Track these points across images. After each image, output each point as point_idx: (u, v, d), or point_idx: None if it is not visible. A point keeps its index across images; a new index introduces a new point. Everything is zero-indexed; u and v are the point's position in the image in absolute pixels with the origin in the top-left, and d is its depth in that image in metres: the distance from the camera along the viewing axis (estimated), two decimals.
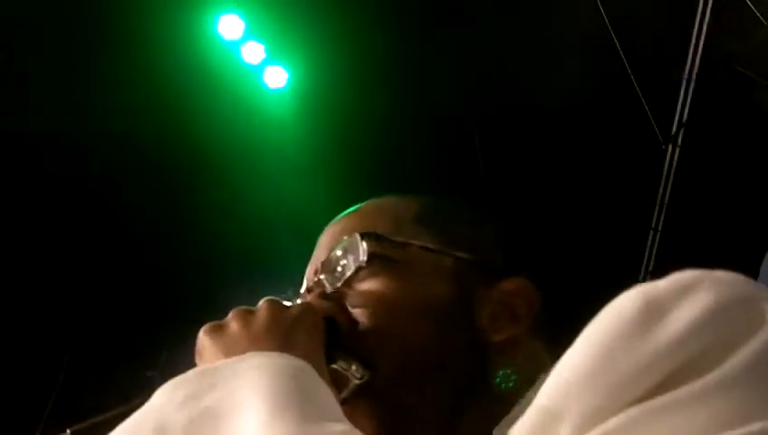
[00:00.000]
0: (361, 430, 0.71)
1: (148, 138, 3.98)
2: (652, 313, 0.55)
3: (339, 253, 0.87)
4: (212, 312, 0.82)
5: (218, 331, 0.77)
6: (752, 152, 4.09)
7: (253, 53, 4.25)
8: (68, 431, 0.78)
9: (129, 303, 3.94)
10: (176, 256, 4.13)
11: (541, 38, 4.11)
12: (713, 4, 4.02)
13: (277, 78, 4.31)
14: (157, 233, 4.11)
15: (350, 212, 0.92)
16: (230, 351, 0.74)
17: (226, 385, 0.66)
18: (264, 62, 4.28)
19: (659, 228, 4.60)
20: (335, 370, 0.79)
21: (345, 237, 0.87)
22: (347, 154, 4.04)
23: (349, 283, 0.85)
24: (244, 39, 4.22)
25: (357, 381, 0.78)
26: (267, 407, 0.62)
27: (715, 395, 0.51)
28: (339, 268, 0.86)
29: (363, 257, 0.84)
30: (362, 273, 0.84)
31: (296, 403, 0.62)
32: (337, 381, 0.78)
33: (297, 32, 4.22)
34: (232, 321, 0.78)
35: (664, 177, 4.43)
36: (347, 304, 0.84)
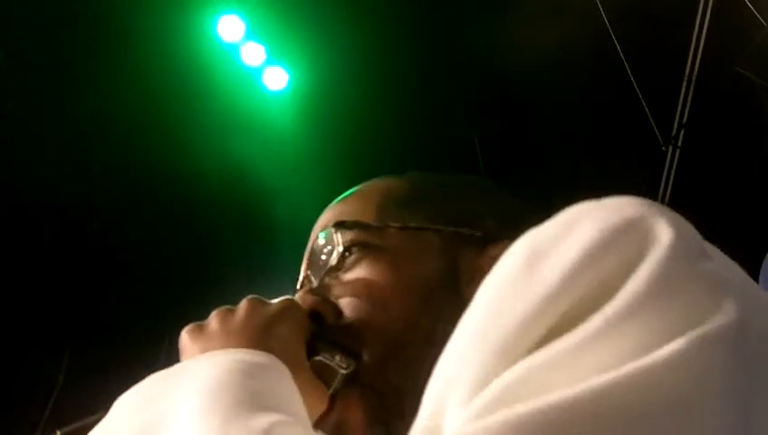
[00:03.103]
0: (356, 418, 0.71)
1: (147, 139, 3.98)
2: (537, 256, 0.51)
3: (320, 246, 0.87)
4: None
5: (198, 330, 0.77)
6: (752, 154, 4.09)
7: (253, 54, 4.24)
8: (58, 433, 0.78)
9: (129, 303, 3.95)
10: (175, 258, 4.13)
11: (541, 39, 4.11)
12: (713, 6, 4.02)
13: (277, 79, 4.30)
14: (156, 234, 4.11)
15: (335, 203, 0.92)
16: (206, 349, 0.74)
17: (175, 388, 0.66)
18: (264, 64, 4.28)
19: None
20: (322, 362, 0.79)
21: (324, 230, 0.87)
22: (347, 155, 4.04)
23: (332, 274, 0.85)
24: (244, 40, 4.22)
25: (343, 372, 0.79)
26: (197, 406, 0.61)
27: (608, 333, 0.47)
28: (321, 261, 0.86)
29: (339, 248, 0.84)
30: (346, 262, 0.84)
31: (227, 399, 0.61)
32: (326, 374, 0.78)
33: (297, 33, 4.22)
34: (212, 320, 0.78)
35: (664, 178, 4.43)
36: (333, 295, 0.83)
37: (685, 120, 4.30)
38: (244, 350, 0.72)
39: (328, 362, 0.79)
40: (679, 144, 4.36)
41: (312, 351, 0.79)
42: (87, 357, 3.67)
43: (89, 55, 3.83)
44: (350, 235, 0.85)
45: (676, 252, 0.49)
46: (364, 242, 0.84)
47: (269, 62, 4.28)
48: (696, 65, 4.17)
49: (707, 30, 4.08)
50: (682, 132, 4.34)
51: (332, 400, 0.78)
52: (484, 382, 0.47)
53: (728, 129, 4.14)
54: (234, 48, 4.22)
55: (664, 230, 0.50)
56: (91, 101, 3.85)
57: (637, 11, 3.95)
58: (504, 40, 3.97)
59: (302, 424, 0.62)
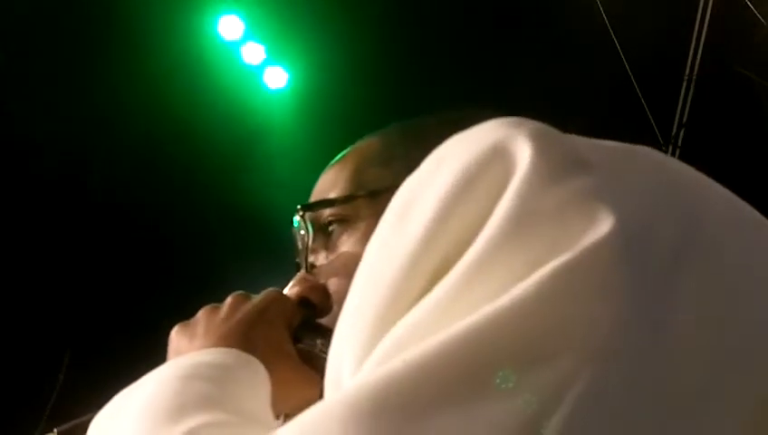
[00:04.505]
0: None
1: (147, 138, 3.98)
2: (405, 208, 0.47)
3: (296, 230, 0.85)
4: None
5: (184, 329, 0.77)
6: (752, 153, 4.09)
7: (253, 53, 4.25)
8: (55, 431, 0.78)
9: (129, 303, 3.94)
10: (175, 258, 4.13)
11: (540, 39, 4.11)
12: (713, 6, 4.02)
13: (277, 79, 4.31)
14: (156, 233, 4.11)
15: (318, 180, 0.89)
16: (190, 349, 0.73)
17: (126, 403, 0.65)
18: (265, 63, 4.28)
19: None
20: (310, 350, 0.78)
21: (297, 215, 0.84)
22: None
23: (318, 256, 0.83)
24: (245, 40, 4.22)
25: (327, 357, 0.78)
26: (132, 419, 0.61)
27: (465, 284, 0.42)
28: (301, 246, 0.84)
29: (309, 232, 0.82)
30: (329, 242, 0.82)
31: (158, 409, 0.60)
32: (316, 361, 0.77)
33: (297, 32, 4.22)
34: (198, 318, 0.77)
35: None
36: (322, 277, 0.82)
37: (685, 119, 4.30)
38: (209, 350, 0.71)
39: (311, 348, 0.78)
40: (679, 144, 4.36)
41: (298, 339, 0.79)
42: (87, 357, 3.67)
43: (90, 55, 3.83)
44: (324, 213, 0.82)
45: (538, 173, 0.43)
46: (338, 216, 0.81)
47: (269, 61, 4.28)
48: (696, 65, 4.17)
49: (707, 30, 4.08)
50: (682, 132, 4.34)
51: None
52: (367, 350, 0.44)
53: (728, 129, 4.14)
54: (234, 47, 4.22)
55: (524, 151, 0.44)
56: (91, 101, 3.85)
57: (637, 11, 3.95)
58: (504, 40, 3.96)
59: (246, 422, 0.61)
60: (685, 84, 4.24)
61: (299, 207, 0.84)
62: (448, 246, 0.44)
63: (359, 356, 0.44)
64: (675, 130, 4.34)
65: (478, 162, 0.45)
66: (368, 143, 0.89)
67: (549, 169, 0.44)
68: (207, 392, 0.63)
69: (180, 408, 0.60)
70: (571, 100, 4.06)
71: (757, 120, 4.03)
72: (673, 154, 4.39)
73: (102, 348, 3.67)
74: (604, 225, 0.41)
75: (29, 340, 3.75)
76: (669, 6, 4.11)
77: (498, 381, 0.38)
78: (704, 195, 0.49)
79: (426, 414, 0.38)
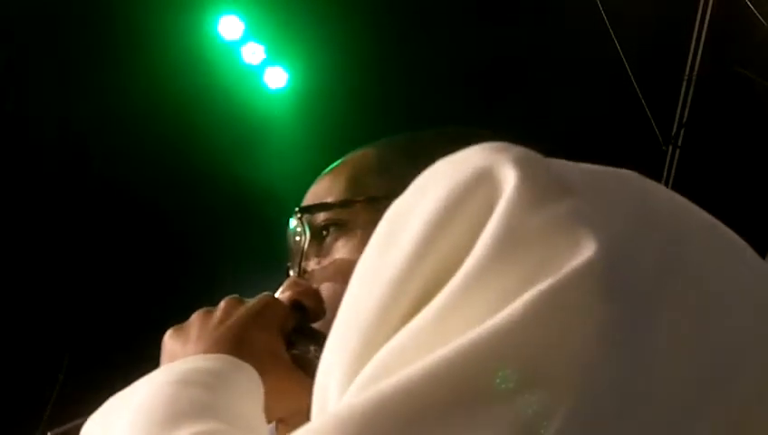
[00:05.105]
0: None
1: (147, 139, 3.98)
2: (391, 232, 0.47)
3: (292, 234, 0.85)
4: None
5: (177, 334, 0.76)
6: (752, 153, 4.09)
7: (253, 53, 4.25)
8: (49, 434, 0.78)
9: (129, 303, 3.94)
10: (174, 259, 4.13)
11: (539, 38, 4.11)
12: (713, 6, 4.02)
13: (277, 79, 4.31)
14: (155, 234, 4.11)
15: (311, 186, 0.89)
16: (184, 353, 0.73)
17: (118, 410, 0.65)
18: (265, 63, 4.29)
19: None
20: (303, 355, 0.78)
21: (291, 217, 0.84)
22: (346, 153, 4.03)
23: (312, 260, 0.82)
24: (245, 40, 4.23)
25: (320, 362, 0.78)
26: (125, 427, 0.61)
27: (449, 310, 0.42)
28: (296, 249, 0.84)
29: (307, 235, 0.82)
30: (324, 246, 0.82)
31: (151, 415, 0.60)
32: (310, 366, 0.76)
33: (297, 33, 4.22)
34: (191, 323, 0.77)
35: (664, 178, 4.43)
36: (316, 281, 0.82)
37: (685, 119, 4.30)
38: (203, 356, 0.71)
39: (304, 354, 0.78)
40: (679, 144, 4.36)
41: (291, 344, 0.78)
42: (87, 357, 3.67)
43: (90, 55, 3.83)
44: (319, 217, 0.82)
45: (522, 198, 0.44)
46: (334, 221, 0.81)
47: (269, 61, 4.29)
48: (696, 65, 4.17)
49: (707, 30, 4.08)
50: (682, 132, 4.34)
51: None
52: (350, 376, 0.44)
53: (728, 128, 4.14)
54: (234, 47, 4.23)
55: (509, 176, 0.45)
56: (92, 101, 3.85)
57: (637, 11, 3.95)
58: (503, 41, 3.96)
59: (239, 429, 0.61)
60: (685, 84, 4.24)
61: (297, 209, 0.84)
62: (434, 271, 0.44)
63: (343, 382, 0.44)
64: (675, 130, 4.34)
65: (464, 186, 0.45)
66: (362, 153, 0.89)
67: (534, 193, 0.44)
68: (201, 399, 0.63)
69: (174, 415, 0.60)
70: (572, 100, 4.07)
71: (757, 120, 4.03)
72: (673, 154, 4.39)
73: (102, 348, 3.67)
74: (587, 249, 0.42)
75: (29, 341, 3.75)
76: (669, 6, 4.11)
77: (482, 405, 0.38)
78: (685, 221, 0.49)
79: None
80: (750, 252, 0.51)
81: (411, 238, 0.45)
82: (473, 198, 0.45)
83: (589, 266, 0.41)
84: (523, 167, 0.45)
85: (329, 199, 0.83)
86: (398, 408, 0.39)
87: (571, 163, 0.51)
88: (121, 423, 0.62)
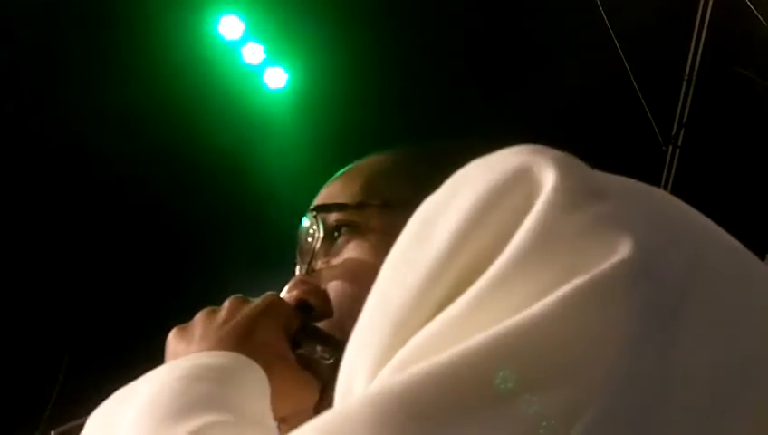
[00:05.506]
0: None
1: (147, 139, 3.98)
2: (426, 225, 0.48)
3: (304, 232, 0.84)
4: None
5: (181, 333, 0.76)
6: (752, 153, 4.09)
7: (253, 53, 4.26)
8: (52, 433, 0.78)
9: (129, 303, 3.94)
10: (174, 259, 4.13)
11: (540, 38, 4.11)
12: (713, 5, 4.02)
13: (277, 79, 4.32)
14: (156, 233, 4.11)
15: (323, 187, 0.89)
16: (187, 352, 0.73)
17: (124, 404, 0.65)
18: (264, 63, 4.29)
19: None
20: (309, 355, 0.78)
21: (305, 216, 0.84)
22: (347, 155, 4.03)
23: (321, 260, 0.82)
24: (245, 40, 4.23)
25: (326, 362, 0.77)
26: (133, 420, 0.61)
27: (487, 297, 0.43)
28: (307, 248, 0.84)
29: (320, 232, 0.81)
30: (334, 246, 0.81)
31: (161, 409, 0.60)
32: (316, 366, 0.77)
33: (297, 33, 4.23)
34: (195, 322, 0.77)
35: (664, 178, 4.43)
36: (323, 281, 0.81)
37: (685, 119, 4.30)
38: (208, 353, 0.71)
39: (309, 354, 0.78)
40: (679, 144, 4.36)
41: (296, 344, 0.78)
42: (87, 357, 3.67)
43: (91, 55, 3.83)
44: (332, 217, 0.82)
45: (561, 198, 0.45)
46: (349, 223, 0.81)
47: (269, 61, 4.29)
48: (696, 65, 4.17)
49: (707, 30, 4.08)
50: (682, 132, 4.34)
51: (324, 392, 0.77)
52: (381, 362, 0.44)
53: (728, 128, 4.14)
54: (234, 47, 4.23)
55: (548, 176, 0.46)
56: (93, 100, 3.86)
57: (637, 11, 3.95)
58: (502, 41, 3.97)
59: (248, 423, 0.61)
60: (685, 84, 4.24)
61: (312, 207, 0.83)
62: (470, 262, 0.45)
63: (373, 368, 0.45)
64: (675, 130, 4.34)
65: (503, 183, 0.47)
66: (377, 159, 0.89)
67: (572, 194, 0.45)
68: (210, 393, 0.63)
69: (183, 408, 0.60)
70: (572, 100, 4.07)
71: (757, 120, 4.03)
72: (673, 154, 4.39)
73: (102, 349, 3.68)
74: (623, 249, 0.43)
75: (29, 341, 3.75)
76: (669, 6, 4.11)
77: (512, 397, 0.39)
78: (708, 230, 0.52)
79: (448, 422, 0.39)
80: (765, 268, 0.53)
81: (449, 229, 0.46)
82: (512, 195, 0.46)
83: (624, 265, 0.42)
84: (561, 168, 0.47)
85: (343, 201, 0.83)
86: (432, 392, 0.39)
87: (600, 172, 0.53)
88: (127, 417, 0.62)
